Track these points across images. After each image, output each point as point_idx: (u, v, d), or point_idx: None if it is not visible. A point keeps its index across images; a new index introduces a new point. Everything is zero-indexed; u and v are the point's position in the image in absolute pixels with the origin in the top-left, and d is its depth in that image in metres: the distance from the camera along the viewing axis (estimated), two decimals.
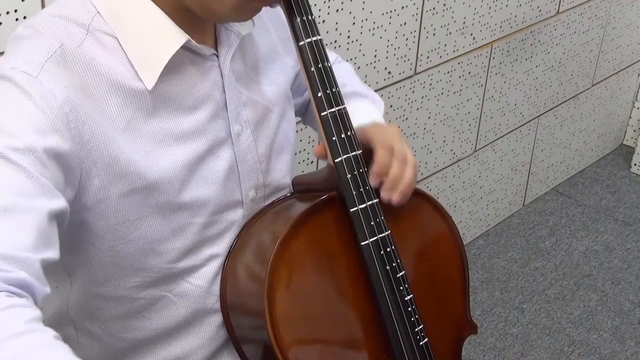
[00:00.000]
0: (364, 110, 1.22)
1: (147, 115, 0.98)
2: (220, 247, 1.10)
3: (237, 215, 1.11)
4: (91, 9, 0.97)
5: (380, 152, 1.08)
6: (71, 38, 0.95)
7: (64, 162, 0.90)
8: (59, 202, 0.88)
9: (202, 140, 1.04)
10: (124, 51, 0.97)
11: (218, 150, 1.06)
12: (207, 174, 1.05)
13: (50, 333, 0.78)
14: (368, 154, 1.10)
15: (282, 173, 1.16)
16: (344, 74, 1.32)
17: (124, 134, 0.96)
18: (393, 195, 1.08)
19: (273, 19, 1.17)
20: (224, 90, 1.05)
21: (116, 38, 0.97)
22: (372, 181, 1.07)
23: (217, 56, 1.05)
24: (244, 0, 0.96)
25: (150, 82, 0.97)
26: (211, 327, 1.12)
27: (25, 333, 0.75)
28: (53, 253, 0.87)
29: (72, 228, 0.95)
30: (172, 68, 0.99)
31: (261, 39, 1.14)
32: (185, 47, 0.99)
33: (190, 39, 0.99)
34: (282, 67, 1.16)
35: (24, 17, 1.34)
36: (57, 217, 0.88)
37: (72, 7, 0.97)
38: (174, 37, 0.98)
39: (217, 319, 1.12)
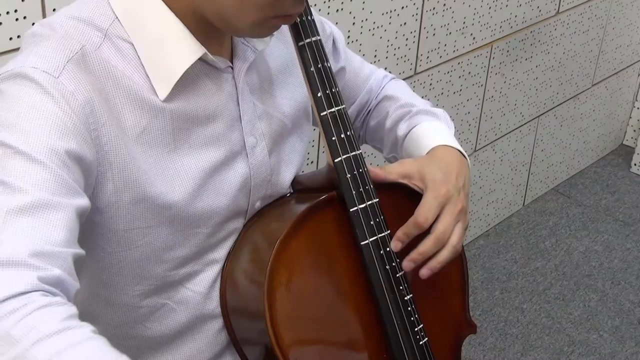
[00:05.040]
0: (438, 132, 1.21)
1: (160, 127, 0.98)
2: (220, 253, 1.10)
3: (239, 224, 1.11)
4: (109, 14, 0.96)
5: (410, 224, 1.08)
6: (89, 41, 0.94)
7: (84, 164, 0.90)
8: (83, 201, 0.89)
9: (216, 152, 1.03)
10: (139, 59, 0.96)
11: (232, 162, 1.06)
12: (219, 185, 1.04)
13: (88, 328, 0.78)
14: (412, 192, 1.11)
15: (287, 185, 1.16)
16: (406, 92, 1.31)
17: (136, 143, 0.96)
18: (421, 271, 1.09)
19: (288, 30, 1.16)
20: (238, 103, 1.05)
21: (132, 44, 0.96)
22: (393, 246, 1.08)
23: (232, 68, 1.04)
24: (263, 17, 0.94)
25: (163, 92, 0.97)
26: (211, 332, 1.12)
27: (62, 331, 0.75)
28: (80, 249, 0.87)
29: (83, 227, 0.95)
30: (187, 80, 0.98)
31: (278, 51, 1.13)
32: (201, 59, 0.98)
33: (207, 52, 0.98)
34: (299, 80, 1.14)
35: (24, 17, 1.34)
36: (80, 215, 0.88)
37: (90, 10, 0.96)
38: (190, 50, 0.97)
39: (217, 323, 1.12)
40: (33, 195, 0.83)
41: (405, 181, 1.12)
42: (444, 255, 1.09)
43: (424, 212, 1.08)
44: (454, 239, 1.09)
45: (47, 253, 0.80)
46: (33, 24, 1.34)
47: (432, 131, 1.21)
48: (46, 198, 0.83)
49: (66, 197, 0.86)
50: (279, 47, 1.13)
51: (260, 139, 1.08)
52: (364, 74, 1.31)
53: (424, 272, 1.09)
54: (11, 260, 0.78)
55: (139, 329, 1.09)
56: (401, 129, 1.25)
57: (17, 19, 1.34)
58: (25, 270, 0.78)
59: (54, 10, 1.38)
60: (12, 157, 0.85)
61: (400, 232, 1.08)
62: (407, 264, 1.08)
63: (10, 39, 1.34)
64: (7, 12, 1.33)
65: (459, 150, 1.20)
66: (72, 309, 0.79)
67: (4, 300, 0.75)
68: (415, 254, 1.08)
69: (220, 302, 1.10)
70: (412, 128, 1.23)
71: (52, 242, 0.82)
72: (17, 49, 1.33)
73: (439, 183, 1.10)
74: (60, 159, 0.86)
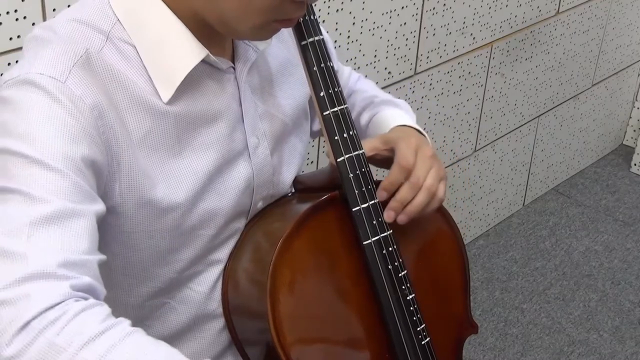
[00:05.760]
0: (399, 116, 1.22)
1: (164, 130, 0.97)
2: (223, 253, 1.10)
3: (241, 224, 1.11)
4: (111, 16, 0.96)
5: (395, 169, 1.08)
6: (91, 44, 0.94)
7: (96, 167, 0.91)
8: (100, 206, 0.89)
9: (219, 153, 1.03)
10: (141, 61, 0.96)
11: (235, 162, 1.05)
12: (222, 186, 1.04)
13: (126, 323, 0.81)
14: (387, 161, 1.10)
15: (288, 185, 1.16)
16: (374, 87, 1.34)
17: (140, 146, 0.96)
18: (398, 217, 1.08)
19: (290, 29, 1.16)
20: (241, 103, 1.05)
21: (134, 47, 0.96)
22: (379, 195, 1.08)
23: (234, 69, 1.04)
24: (265, 21, 0.94)
25: (166, 94, 0.96)
26: (212, 332, 1.12)
27: (105, 331, 0.77)
28: (102, 254, 0.88)
29: None
30: (190, 81, 0.98)
31: (278, 51, 1.13)
32: (203, 61, 0.98)
33: (209, 53, 0.97)
34: (298, 80, 1.15)
35: (24, 17, 1.34)
36: (99, 220, 0.89)
37: (91, 12, 0.96)
38: (193, 51, 0.97)
39: (218, 323, 1.12)
40: (54, 205, 0.83)
41: (373, 153, 1.12)
42: (420, 198, 1.08)
43: (403, 156, 1.08)
44: (429, 182, 1.08)
45: (75, 262, 0.81)
46: (33, 24, 1.35)
47: (392, 117, 1.23)
48: (67, 206, 0.84)
49: (85, 203, 0.86)
50: (278, 46, 1.13)
51: (262, 139, 1.08)
52: (345, 75, 1.33)
53: (402, 218, 1.08)
54: (42, 272, 0.79)
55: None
56: (364, 118, 1.27)
57: (17, 19, 1.34)
58: (57, 281, 0.79)
59: (54, 10, 1.37)
60: (28, 166, 0.84)
61: (386, 182, 1.08)
62: (388, 213, 1.08)
63: (10, 39, 1.34)
64: (7, 12, 1.32)
65: (419, 131, 1.21)
66: (107, 308, 0.81)
67: (42, 312, 0.76)
68: (394, 202, 1.07)
69: (222, 302, 1.10)
70: (374, 116, 1.25)
71: (78, 250, 0.83)
72: (17, 49, 1.34)
73: (404, 137, 1.11)
74: (75, 165, 0.87)
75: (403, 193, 1.07)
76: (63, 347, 0.75)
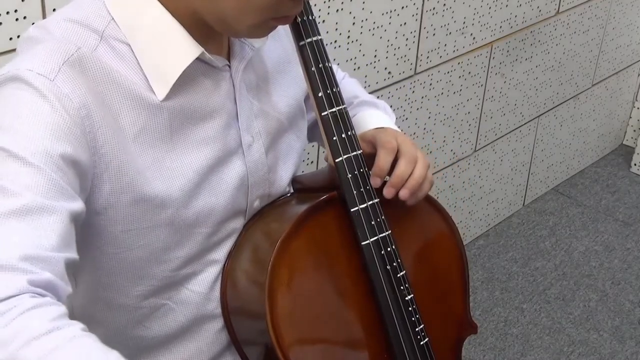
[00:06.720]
0: (377, 117, 1.23)
1: (158, 126, 0.97)
2: (220, 253, 1.10)
3: (239, 224, 1.11)
4: (105, 15, 0.96)
5: (381, 152, 1.08)
6: (85, 43, 0.94)
7: (79, 167, 0.90)
8: (78, 204, 0.88)
9: (213, 150, 1.03)
10: (136, 60, 0.96)
11: (229, 160, 1.05)
12: (216, 183, 1.04)
13: (77, 326, 0.78)
14: (374, 158, 1.10)
15: (285, 184, 1.16)
16: (355, 87, 1.34)
17: (134, 143, 0.96)
18: (400, 192, 1.08)
19: (286, 26, 1.17)
20: (236, 101, 1.05)
21: (129, 45, 0.96)
22: (373, 182, 1.08)
23: (229, 67, 1.04)
24: (263, 19, 0.95)
25: (162, 92, 0.96)
26: (211, 332, 1.12)
27: (52, 331, 0.75)
28: (74, 253, 0.87)
29: (81, 230, 0.95)
30: (185, 79, 0.98)
31: (273, 49, 1.13)
32: (198, 59, 0.98)
33: (205, 51, 0.98)
34: (294, 78, 1.15)
35: (24, 17, 1.34)
36: (75, 219, 0.88)
37: (86, 12, 0.96)
38: (188, 49, 0.97)
39: (217, 324, 1.12)
40: (26, 199, 0.82)
41: None
42: (419, 170, 1.09)
43: (386, 141, 1.09)
44: (423, 157, 1.11)
45: (38, 257, 0.80)
46: (33, 24, 1.35)
47: (370, 118, 1.23)
48: (39, 201, 0.83)
49: (59, 200, 0.85)
50: (274, 45, 1.14)
51: (257, 137, 1.08)
52: None
53: (404, 193, 1.08)
54: (2, 264, 0.78)
55: (139, 330, 1.09)
56: None
57: (17, 19, 1.34)
58: (16, 274, 0.78)
59: (54, 10, 1.37)
60: (6, 160, 0.84)
61: (376, 168, 1.09)
62: (388, 190, 1.08)
63: (10, 39, 1.34)
64: (7, 12, 1.33)
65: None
66: (62, 309, 0.79)
67: None
68: (394, 178, 1.08)
69: (221, 303, 1.10)
70: (352, 118, 1.24)
71: (44, 246, 0.82)
72: None
73: (381, 131, 1.13)
74: (54, 162, 0.86)
75: (402, 168, 1.08)
76: (6, 341, 0.74)
